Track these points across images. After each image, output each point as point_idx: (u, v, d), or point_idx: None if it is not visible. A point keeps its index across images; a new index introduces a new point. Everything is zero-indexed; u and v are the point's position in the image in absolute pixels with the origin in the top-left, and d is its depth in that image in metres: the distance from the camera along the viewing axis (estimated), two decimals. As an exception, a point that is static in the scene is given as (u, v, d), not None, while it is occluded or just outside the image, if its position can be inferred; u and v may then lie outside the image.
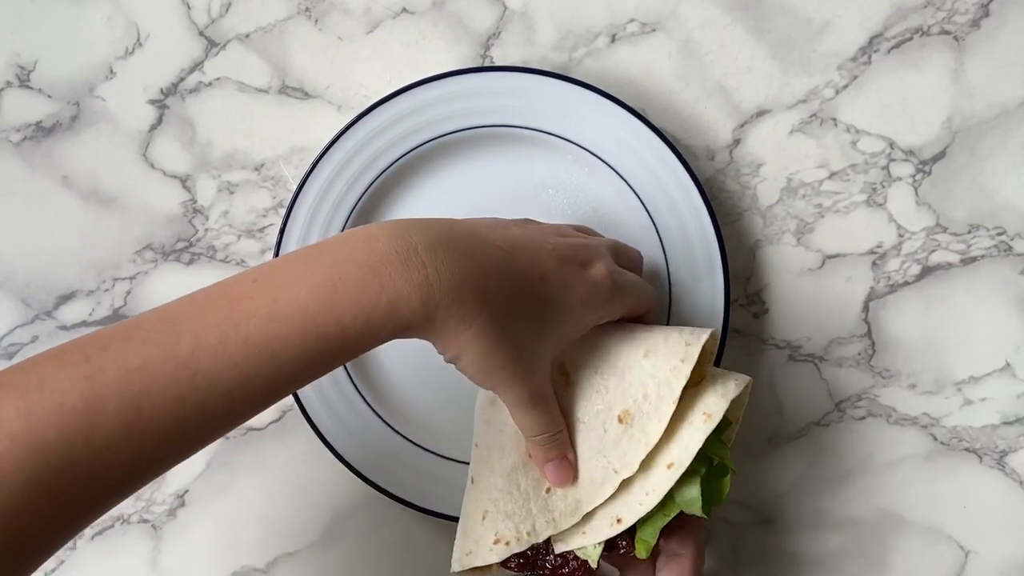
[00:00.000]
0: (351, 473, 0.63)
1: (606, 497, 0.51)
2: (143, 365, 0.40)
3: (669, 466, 0.50)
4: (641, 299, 0.56)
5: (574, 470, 0.53)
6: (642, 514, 0.51)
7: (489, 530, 0.53)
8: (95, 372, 0.40)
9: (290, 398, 0.64)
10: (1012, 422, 0.68)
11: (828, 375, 0.67)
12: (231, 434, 0.66)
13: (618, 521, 0.51)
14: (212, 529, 0.66)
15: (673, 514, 0.52)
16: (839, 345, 0.67)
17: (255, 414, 0.43)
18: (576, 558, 0.53)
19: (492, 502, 0.53)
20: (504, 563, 0.53)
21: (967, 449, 0.68)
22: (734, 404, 0.53)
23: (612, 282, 0.53)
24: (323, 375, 0.44)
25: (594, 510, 0.52)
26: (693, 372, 0.51)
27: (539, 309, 0.49)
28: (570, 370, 0.54)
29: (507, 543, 0.52)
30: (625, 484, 0.51)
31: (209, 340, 0.41)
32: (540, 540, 0.52)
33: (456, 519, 0.63)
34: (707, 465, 0.52)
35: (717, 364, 0.63)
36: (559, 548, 0.53)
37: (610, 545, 0.53)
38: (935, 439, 0.68)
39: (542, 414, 0.51)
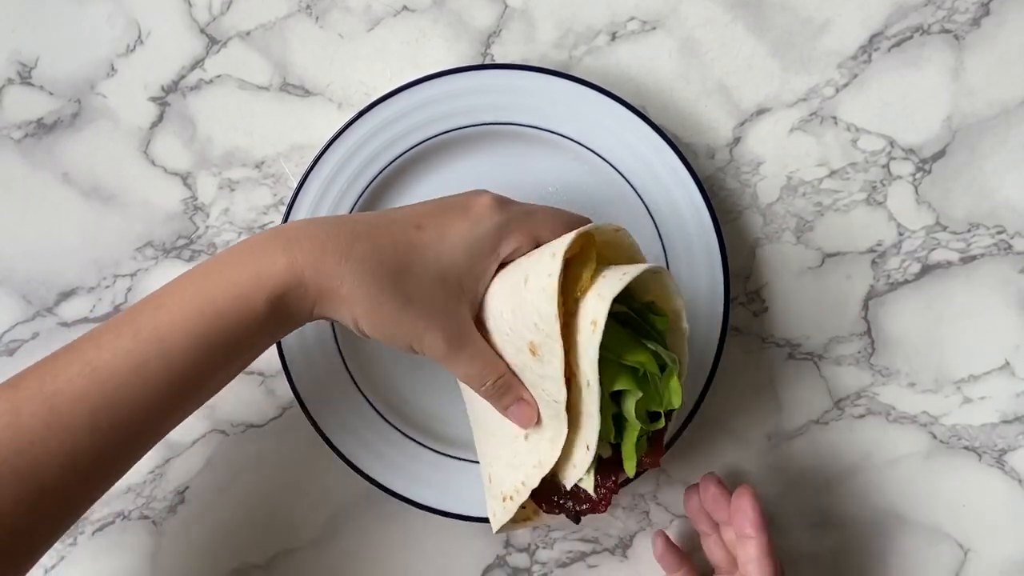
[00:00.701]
0: (351, 470, 0.63)
1: (567, 429, 0.51)
2: (54, 369, 0.48)
3: (587, 384, 0.49)
4: (546, 224, 0.54)
5: (534, 409, 0.52)
6: (595, 434, 0.49)
7: (496, 490, 0.54)
8: (17, 381, 0.48)
9: (290, 395, 0.64)
10: (1011, 420, 0.68)
11: (828, 373, 0.67)
12: (231, 431, 0.66)
13: (587, 448, 0.50)
14: (212, 526, 0.66)
15: (639, 427, 0.51)
16: (839, 343, 0.67)
17: (171, 402, 0.49)
18: (583, 491, 0.53)
19: (490, 464, 0.55)
20: (545, 511, 0.54)
21: (966, 448, 0.68)
22: (661, 295, 0.51)
23: (498, 209, 0.53)
24: (228, 357, 0.50)
25: (570, 443, 0.51)
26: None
27: (419, 255, 0.51)
28: (485, 319, 0.53)
29: (511, 498, 0.53)
30: (575, 409, 0.50)
31: (107, 336, 0.49)
32: (535, 485, 0.52)
33: (456, 516, 0.63)
34: (655, 367, 0.51)
35: (716, 361, 0.64)
36: (568, 485, 0.52)
37: (609, 473, 0.53)
38: (934, 437, 0.68)
39: (471, 360, 0.51)
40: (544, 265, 0.49)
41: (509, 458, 0.54)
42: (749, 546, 0.58)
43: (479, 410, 0.57)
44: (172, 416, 0.51)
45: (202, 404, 0.52)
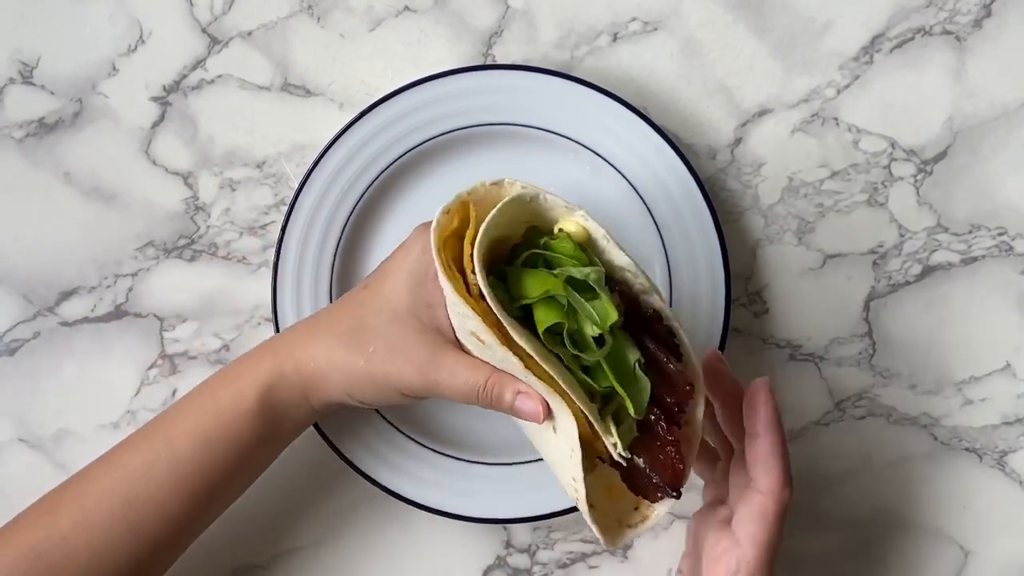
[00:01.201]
0: (351, 470, 0.63)
1: (564, 401, 0.48)
2: (87, 474, 0.55)
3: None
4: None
5: (536, 397, 0.49)
6: (577, 393, 0.47)
7: (583, 507, 0.50)
8: (52, 493, 0.56)
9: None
10: (1012, 422, 0.68)
11: (828, 374, 0.67)
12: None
13: (587, 413, 0.48)
14: (213, 526, 0.66)
15: (607, 372, 0.48)
16: (839, 345, 0.67)
17: (179, 503, 0.54)
18: (653, 460, 0.50)
19: (566, 486, 0.51)
20: (650, 499, 0.52)
21: (967, 449, 0.68)
22: (561, 218, 0.48)
23: (425, 232, 0.53)
24: (229, 456, 0.54)
25: (579, 417, 0.48)
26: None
27: (370, 309, 0.54)
28: (459, 340, 0.52)
29: (585, 503, 0.50)
30: (557, 384, 0.48)
31: (137, 436, 0.56)
32: (580, 475, 0.48)
33: (456, 516, 0.63)
34: (564, 289, 0.48)
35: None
36: (616, 457, 0.49)
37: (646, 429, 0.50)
38: (935, 439, 0.68)
39: (452, 379, 0.51)
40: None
41: (567, 462, 0.51)
42: (758, 445, 0.53)
43: (534, 440, 0.54)
44: (187, 517, 0.55)
45: (216, 513, 0.57)
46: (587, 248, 0.49)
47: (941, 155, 0.67)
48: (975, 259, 0.67)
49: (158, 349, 0.66)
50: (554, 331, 0.48)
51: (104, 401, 0.66)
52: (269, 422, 0.55)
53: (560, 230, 0.49)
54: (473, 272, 0.47)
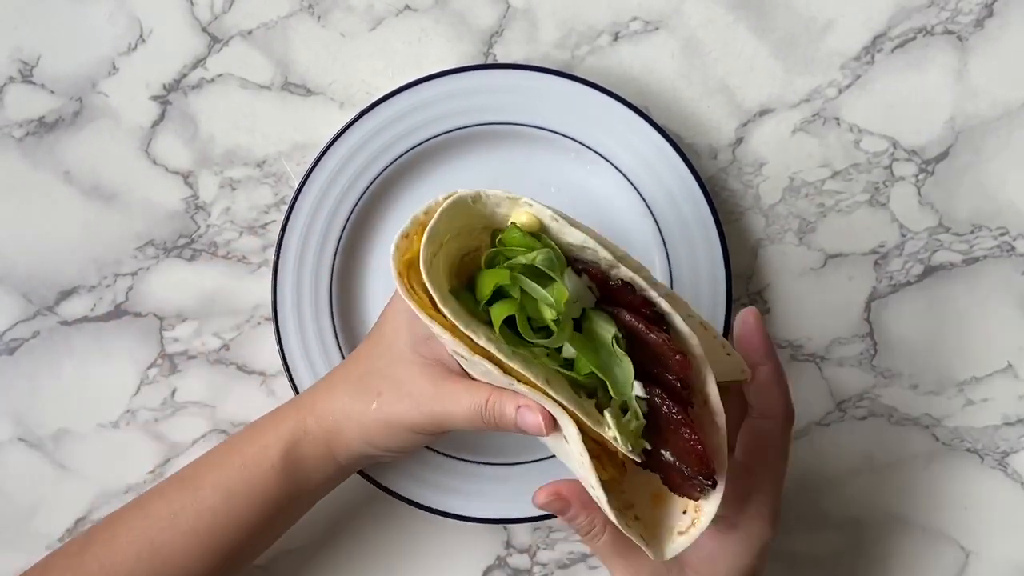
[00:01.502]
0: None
1: (553, 403, 0.46)
2: (119, 517, 0.56)
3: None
4: None
5: (536, 408, 0.47)
6: (541, 384, 0.45)
7: (626, 521, 0.47)
8: (85, 534, 0.57)
9: (290, 395, 0.64)
10: (1014, 423, 0.68)
11: (829, 375, 0.67)
12: (231, 431, 0.66)
13: (571, 408, 0.46)
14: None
15: (581, 356, 0.46)
16: (841, 345, 0.67)
17: (202, 555, 0.55)
18: (675, 452, 0.47)
19: (607, 506, 0.47)
20: (693, 496, 0.47)
21: (968, 450, 0.68)
22: (507, 212, 0.47)
23: None
24: (252, 511, 0.55)
25: (575, 417, 0.46)
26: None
27: (376, 351, 0.55)
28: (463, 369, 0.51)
29: (621, 511, 0.47)
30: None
31: (162, 486, 0.57)
32: (591, 478, 0.45)
33: (456, 516, 0.63)
34: (508, 279, 0.46)
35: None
36: (625, 452, 0.46)
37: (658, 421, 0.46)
38: (936, 439, 0.68)
39: (455, 405, 0.50)
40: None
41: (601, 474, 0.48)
42: (757, 375, 0.51)
43: (559, 455, 0.51)
44: (207, 570, 0.55)
45: (236, 571, 0.57)
46: (540, 234, 0.47)
47: (943, 155, 0.67)
48: (977, 259, 0.67)
49: (158, 349, 0.66)
50: (530, 329, 0.46)
51: (104, 401, 0.66)
52: (294, 479, 0.55)
53: (511, 223, 0.47)
54: (425, 288, 0.45)
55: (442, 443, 0.64)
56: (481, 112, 0.63)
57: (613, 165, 0.64)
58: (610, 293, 0.47)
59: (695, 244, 0.64)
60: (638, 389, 0.46)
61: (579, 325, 0.47)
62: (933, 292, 0.67)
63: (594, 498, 0.46)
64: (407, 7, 0.66)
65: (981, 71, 0.67)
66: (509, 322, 0.46)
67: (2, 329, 0.66)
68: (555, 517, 0.63)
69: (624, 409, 0.46)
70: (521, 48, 0.66)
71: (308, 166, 0.63)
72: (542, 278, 0.46)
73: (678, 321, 0.46)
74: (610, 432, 0.45)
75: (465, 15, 0.66)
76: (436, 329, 0.46)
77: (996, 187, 0.67)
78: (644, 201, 0.64)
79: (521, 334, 0.46)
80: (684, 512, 0.48)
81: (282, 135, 0.66)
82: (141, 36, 0.66)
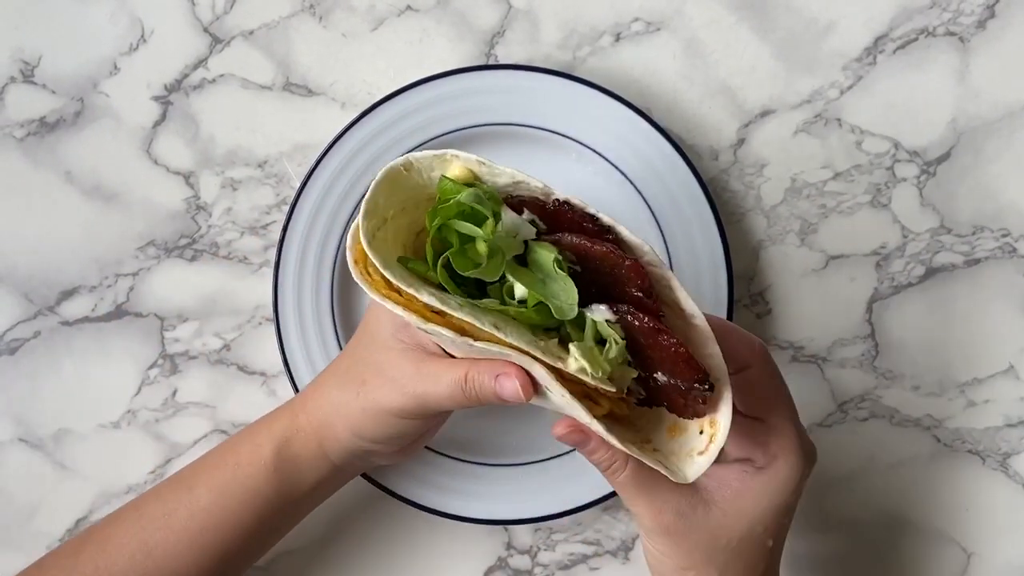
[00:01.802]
0: (352, 471, 0.63)
1: (509, 340, 0.45)
2: (116, 518, 0.56)
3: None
4: None
5: (512, 372, 0.46)
6: (493, 330, 0.44)
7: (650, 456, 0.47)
8: (81, 535, 0.57)
9: (291, 396, 0.64)
10: (1015, 424, 0.67)
11: (831, 376, 0.67)
12: (231, 431, 0.66)
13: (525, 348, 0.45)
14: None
15: (519, 283, 0.45)
16: (842, 346, 0.67)
17: (196, 554, 0.55)
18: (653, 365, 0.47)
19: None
20: (692, 415, 0.47)
21: (970, 451, 0.68)
22: (462, 175, 0.46)
23: None
24: (246, 509, 0.55)
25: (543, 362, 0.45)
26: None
27: (363, 343, 0.55)
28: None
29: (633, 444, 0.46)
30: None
31: (158, 488, 0.57)
32: (584, 416, 0.45)
33: (456, 517, 0.63)
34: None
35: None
36: (599, 383, 0.45)
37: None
38: (938, 441, 0.68)
39: (436, 384, 0.50)
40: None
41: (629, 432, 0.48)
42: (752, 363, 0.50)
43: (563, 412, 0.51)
44: (200, 572, 0.55)
45: (235, 573, 0.57)
46: (473, 182, 0.47)
47: (944, 156, 0.67)
48: (978, 261, 0.67)
49: (159, 349, 0.66)
50: (476, 280, 0.46)
51: (104, 401, 0.66)
52: (287, 478, 0.55)
53: (442, 176, 0.47)
54: (368, 267, 0.45)
55: (443, 444, 0.64)
56: (482, 113, 0.63)
57: (614, 165, 0.64)
58: (551, 220, 0.46)
59: (697, 245, 0.64)
60: (606, 313, 0.45)
61: (525, 261, 0.46)
62: (935, 293, 0.67)
63: (597, 432, 0.45)
64: (409, 7, 0.66)
65: (983, 72, 0.67)
66: (460, 278, 0.45)
67: (3, 329, 0.66)
68: (556, 517, 0.63)
69: (602, 341, 0.46)
70: (523, 49, 0.66)
71: (309, 166, 0.63)
72: (479, 220, 0.45)
73: (625, 232, 0.45)
74: (574, 364, 0.45)
75: (466, 15, 0.66)
76: (390, 306, 0.45)
77: (998, 188, 0.67)
78: (645, 201, 0.64)
79: (463, 278, 0.45)
80: (701, 432, 0.47)
81: (283, 135, 0.66)
82: (142, 36, 0.66)
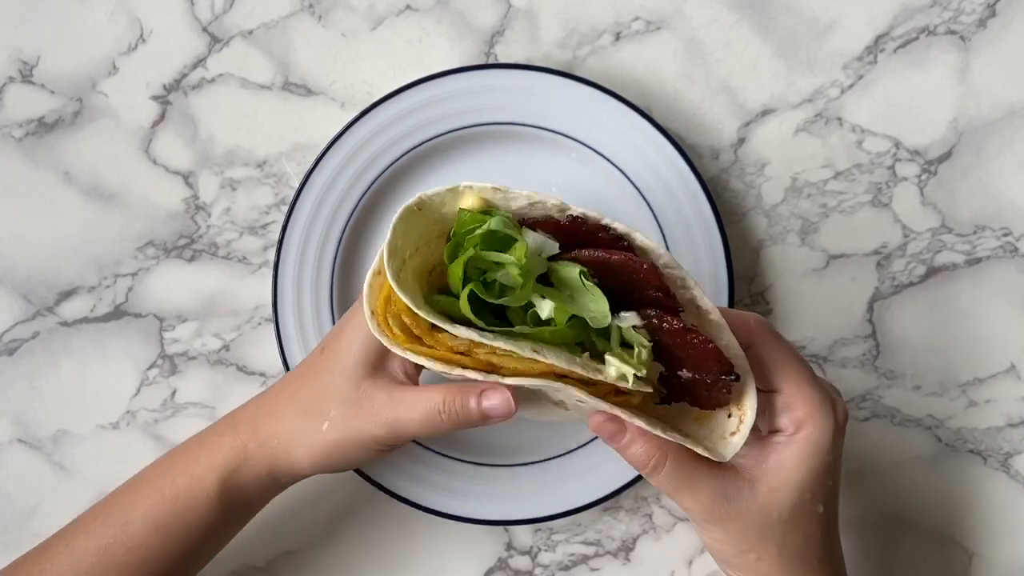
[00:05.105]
0: (352, 472, 0.63)
1: (549, 360, 0.46)
2: (45, 551, 0.54)
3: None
4: None
5: (497, 391, 0.48)
6: (537, 356, 0.45)
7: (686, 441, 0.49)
8: (10, 567, 0.55)
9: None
10: (1017, 424, 0.67)
11: (832, 375, 0.67)
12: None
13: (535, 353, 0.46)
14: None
15: (552, 302, 0.46)
16: (843, 345, 0.67)
17: None
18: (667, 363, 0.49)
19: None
20: (720, 404, 0.49)
21: (972, 451, 0.68)
22: (474, 204, 0.47)
23: None
24: (188, 542, 0.53)
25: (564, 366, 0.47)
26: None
27: (326, 370, 0.53)
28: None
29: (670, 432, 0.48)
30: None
31: (86, 519, 0.54)
32: (601, 404, 0.47)
33: (456, 518, 0.63)
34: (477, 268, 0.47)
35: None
36: (623, 383, 0.47)
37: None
38: (939, 440, 0.68)
39: (411, 410, 0.50)
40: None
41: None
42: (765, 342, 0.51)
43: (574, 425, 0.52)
44: None
45: None
46: (489, 209, 0.48)
47: (945, 155, 0.67)
48: (979, 260, 0.67)
49: (158, 349, 0.66)
50: (508, 311, 0.47)
51: (103, 401, 0.66)
52: (232, 505, 0.54)
53: (459, 209, 0.48)
54: (402, 324, 0.46)
55: (443, 444, 0.64)
56: (482, 112, 0.63)
57: (614, 165, 0.64)
58: (565, 235, 0.47)
59: (697, 244, 0.63)
60: (634, 319, 0.47)
61: (549, 281, 0.47)
62: (936, 293, 0.67)
63: (637, 425, 0.47)
64: (408, 7, 0.66)
65: (984, 71, 0.67)
66: (488, 311, 0.46)
67: (2, 330, 0.66)
68: (557, 518, 0.63)
69: (629, 345, 0.47)
70: (522, 48, 0.66)
71: (309, 166, 0.62)
72: (504, 245, 0.46)
73: (639, 238, 0.47)
74: (614, 373, 0.46)
75: (466, 15, 0.66)
76: (414, 358, 0.46)
77: (999, 187, 0.67)
78: (645, 201, 0.64)
79: (488, 303, 0.46)
80: (729, 416, 0.49)
81: (283, 135, 0.66)
82: (141, 36, 0.66)
